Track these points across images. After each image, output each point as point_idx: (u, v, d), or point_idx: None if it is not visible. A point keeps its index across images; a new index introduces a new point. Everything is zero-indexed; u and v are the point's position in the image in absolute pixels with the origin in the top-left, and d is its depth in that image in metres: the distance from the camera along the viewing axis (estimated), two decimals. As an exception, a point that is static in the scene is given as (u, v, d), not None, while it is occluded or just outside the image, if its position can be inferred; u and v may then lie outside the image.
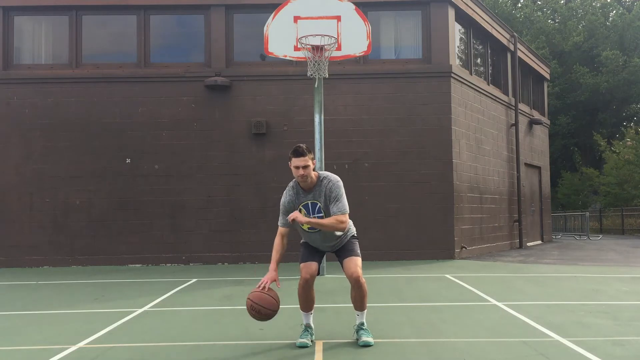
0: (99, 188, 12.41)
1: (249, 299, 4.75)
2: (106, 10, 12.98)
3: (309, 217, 4.85)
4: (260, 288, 4.73)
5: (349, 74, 12.55)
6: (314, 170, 4.87)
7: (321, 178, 4.89)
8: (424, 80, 12.72)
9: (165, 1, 12.94)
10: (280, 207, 4.95)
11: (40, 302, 7.57)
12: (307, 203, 4.88)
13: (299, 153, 4.75)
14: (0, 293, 8.57)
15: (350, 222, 5.09)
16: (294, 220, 4.76)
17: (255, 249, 12.22)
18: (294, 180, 4.93)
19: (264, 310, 4.70)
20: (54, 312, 6.84)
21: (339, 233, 4.91)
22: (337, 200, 4.81)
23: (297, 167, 4.75)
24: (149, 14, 12.87)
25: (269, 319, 4.82)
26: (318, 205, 4.86)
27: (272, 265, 4.84)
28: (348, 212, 4.84)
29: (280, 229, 4.94)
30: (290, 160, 4.79)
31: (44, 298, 7.99)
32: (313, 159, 4.84)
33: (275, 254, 4.87)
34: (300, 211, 4.88)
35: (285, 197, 4.94)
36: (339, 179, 4.93)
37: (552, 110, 30.94)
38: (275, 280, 4.80)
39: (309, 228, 4.90)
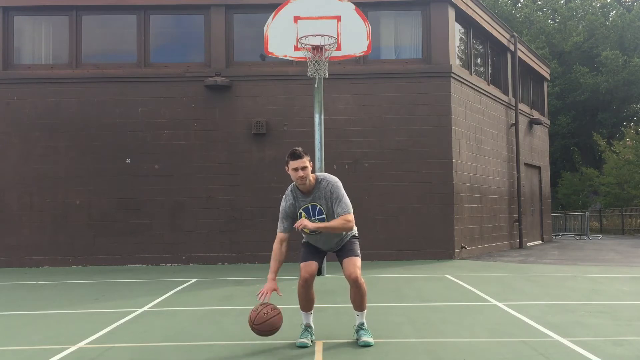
0: (99, 188, 12.41)
1: (255, 327, 4.66)
2: (106, 10, 12.97)
3: (311, 219, 4.85)
4: (261, 300, 4.67)
5: (349, 74, 12.55)
6: (311, 172, 4.87)
7: (319, 180, 4.89)
8: (424, 80, 12.72)
9: (165, 1, 12.94)
10: (280, 212, 4.93)
11: (40, 302, 7.57)
12: (308, 206, 4.88)
13: (296, 155, 4.74)
14: (0, 293, 8.57)
15: None
16: (303, 227, 4.69)
17: (254, 249, 12.22)
18: (292, 184, 4.92)
19: (273, 329, 4.70)
20: (54, 312, 6.84)
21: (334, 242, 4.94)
22: (339, 201, 4.82)
23: (295, 169, 4.74)
24: (149, 14, 12.87)
25: (274, 332, 4.78)
26: (318, 208, 4.86)
27: (271, 275, 4.77)
28: (352, 211, 4.85)
29: (280, 235, 4.89)
30: (287, 163, 4.78)
31: (44, 298, 7.99)
32: (310, 160, 4.84)
33: (273, 264, 4.81)
34: (300, 215, 4.87)
35: (285, 202, 4.93)
36: (337, 179, 4.94)
37: (552, 110, 30.95)
38: (275, 290, 4.73)
39: (311, 231, 4.89)
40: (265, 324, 4.64)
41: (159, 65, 12.83)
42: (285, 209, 4.92)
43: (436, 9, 12.91)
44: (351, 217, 4.81)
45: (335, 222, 4.77)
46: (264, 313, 4.65)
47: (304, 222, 4.69)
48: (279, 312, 4.73)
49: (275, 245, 4.86)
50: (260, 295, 4.70)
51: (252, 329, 4.70)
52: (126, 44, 12.97)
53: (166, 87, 12.60)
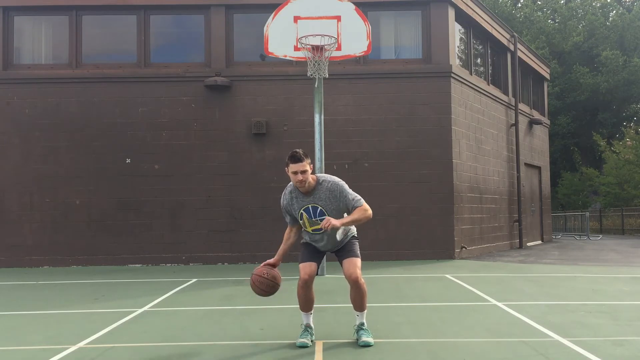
0: (99, 188, 12.41)
1: (253, 281, 4.91)
2: (106, 10, 12.97)
3: (311, 220, 4.85)
4: (259, 269, 4.91)
5: (349, 74, 12.55)
6: (312, 173, 4.87)
7: (320, 181, 4.88)
8: (424, 80, 12.72)
9: (165, 1, 12.94)
10: (281, 209, 5.04)
11: (40, 302, 7.57)
12: (308, 207, 4.87)
13: (296, 159, 4.72)
14: (0, 293, 8.58)
15: None
16: (331, 227, 4.67)
17: (255, 249, 12.22)
18: (290, 184, 4.93)
19: (268, 283, 4.88)
20: (54, 312, 6.84)
21: (340, 231, 4.92)
22: (348, 195, 4.84)
23: (295, 173, 4.73)
24: (149, 14, 12.87)
25: (274, 287, 4.93)
26: (319, 209, 4.85)
27: (277, 256, 5.00)
28: (361, 198, 4.88)
29: (289, 227, 5.10)
30: (287, 166, 4.77)
31: (44, 298, 7.99)
32: (310, 163, 4.83)
33: (282, 245, 5.03)
34: (301, 216, 4.88)
35: (283, 201, 4.99)
36: (336, 177, 4.96)
37: (552, 110, 30.95)
38: (274, 264, 4.92)
39: (313, 230, 4.90)
40: (256, 279, 4.87)
41: (159, 65, 12.83)
42: (284, 208, 4.98)
43: (436, 9, 12.91)
44: (365, 205, 4.84)
45: (355, 215, 4.79)
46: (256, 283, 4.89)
47: (332, 222, 4.63)
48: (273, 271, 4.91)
49: (287, 230, 5.09)
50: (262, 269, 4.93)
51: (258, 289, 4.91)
52: (126, 44, 12.97)
53: (166, 87, 12.60)
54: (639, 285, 8.51)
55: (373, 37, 10.49)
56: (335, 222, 4.67)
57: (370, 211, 4.83)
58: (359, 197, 4.87)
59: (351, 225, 4.87)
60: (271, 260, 4.95)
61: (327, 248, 5.07)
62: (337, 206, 4.84)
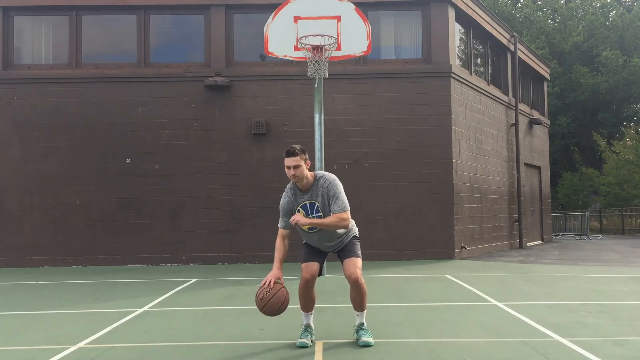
0: (99, 188, 12.41)
1: (261, 308, 4.72)
2: (106, 10, 12.97)
3: (308, 217, 4.85)
4: (265, 285, 4.70)
5: (349, 74, 12.55)
6: (310, 170, 4.87)
7: (317, 177, 4.89)
8: (424, 80, 12.72)
9: (165, 1, 12.94)
10: (280, 208, 4.96)
11: (40, 302, 7.57)
12: (305, 203, 4.87)
13: (290, 153, 4.74)
14: (0, 293, 8.58)
15: (353, 222, 5.08)
16: (296, 223, 4.73)
17: (255, 249, 12.22)
18: (291, 181, 4.93)
19: (277, 308, 4.69)
20: (54, 312, 6.84)
21: (340, 231, 4.91)
22: (336, 199, 4.80)
23: (288, 167, 4.75)
24: (149, 14, 12.87)
25: (283, 308, 4.76)
26: (316, 205, 4.86)
27: (276, 264, 4.81)
28: (349, 209, 4.83)
29: (281, 231, 4.94)
30: (284, 160, 4.80)
31: (44, 298, 7.99)
32: (306, 159, 4.82)
33: (277, 254, 4.86)
34: (298, 212, 4.87)
35: (283, 199, 4.96)
36: (335, 177, 4.93)
37: (552, 110, 30.95)
38: (279, 278, 4.76)
39: (308, 228, 4.89)
40: (265, 308, 4.68)
41: (159, 65, 12.83)
42: (284, 205, 4.94)
43: (436, 9, 12.91)
44: (347, 215, 4.79)
45: (329, 219, 4.76)
46: (260, 299, 4.69)
47: (297, 218, 4.72)
48: (276, 292, 4.67)
49: (278, 240, 4.91)
50: (265, 283, 4.71)
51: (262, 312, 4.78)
52: (126, 44, 12.97)
53: (166, 87, 12.60)
54: (639, 285, 8.51)
55: (373, 37, 10.49)
56: (302, 219, 4.71)
57: (347, 222, 4.77)
58: (345, 205, 4.79)
59: (319, 227, 4.78)
60: (272, 277, 4.73)
61: (327, 248, 5.06)
62: (328, 203, 4.85)
